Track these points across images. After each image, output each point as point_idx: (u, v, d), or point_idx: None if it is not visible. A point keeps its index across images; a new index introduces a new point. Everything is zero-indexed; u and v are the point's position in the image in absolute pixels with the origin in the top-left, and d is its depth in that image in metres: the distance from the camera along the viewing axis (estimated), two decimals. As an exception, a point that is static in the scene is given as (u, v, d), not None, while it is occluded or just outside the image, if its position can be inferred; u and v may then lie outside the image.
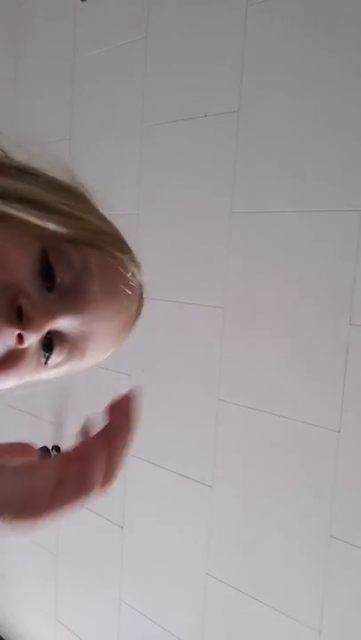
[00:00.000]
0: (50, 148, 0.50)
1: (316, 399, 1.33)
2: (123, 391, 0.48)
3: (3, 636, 2.41)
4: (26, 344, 0.45)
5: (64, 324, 0.47)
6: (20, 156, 0.51)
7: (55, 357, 0.50)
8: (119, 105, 1.76)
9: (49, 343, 0.48)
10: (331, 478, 1.30)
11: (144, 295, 0.58)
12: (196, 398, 1.58)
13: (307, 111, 1.31)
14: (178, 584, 1.68)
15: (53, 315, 0.46)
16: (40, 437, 2.09)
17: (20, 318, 0.44)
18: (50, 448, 2.05)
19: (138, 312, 0.57)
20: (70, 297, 0.48)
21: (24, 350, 0.46)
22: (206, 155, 1.53)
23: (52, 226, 0.46)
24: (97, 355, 0.54)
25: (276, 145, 1.37)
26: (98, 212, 0.54)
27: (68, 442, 0.46)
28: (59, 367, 0.51)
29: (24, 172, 0.50)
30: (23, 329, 0.44)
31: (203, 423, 1.56)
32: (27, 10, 2.10)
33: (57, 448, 2.04)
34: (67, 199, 0.50)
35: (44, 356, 0.49)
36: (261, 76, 1.40)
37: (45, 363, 0.50)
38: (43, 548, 2.17)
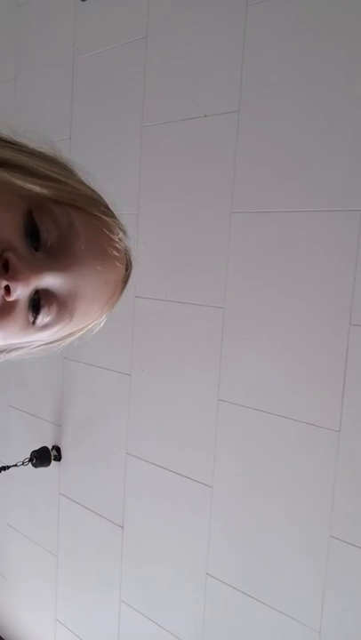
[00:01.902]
0: (35, 127, 0.52)
1: (316, 399, 1.33)
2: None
3: (3, 636, 2.41)
4: (13, 296, 0.45)
5: (51, 281, 0.48)
6: (4, 132, 0.52)
7: (43, 316, 0.50)
8: (119, 105, 1.76)
9: (37, 304, 0.49)
10: (331, 478, 1.30)
11: (132, 262, 0.58)
12: (196, 398, 1.58)
13: (307, 111, 1.31)
14: (178, 584, 1.68)
15: (40, 270, 0.47)
16: (40, 437, 2.09)
17: (6, 271, 0.44)
18: (50, 448, 2.05)
19: (126, 278, 0.57)
20: (57, 255, 0.48)
21: (11, 305, 0.46)
22: (206, 155, 1.53)
23: (36, 188, 0.48)
24: (86, 316, 0.54)
25: (276, 145, 1.37)
26: (82, 180, 0.55)
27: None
28: (48, 328, 0.51)
29: (7, 143, 0.51)
30: (9, 280, 0.44)
31: (203, 423, 1.56)
32: (27, 10, 2.10)
33: (57, 448, 2.05)
34: (51, 166, 0.52)
35: (32, 315, 0.49)
36: (261, 76, 1.40)
37: (33, 322, 0.50)
38: (43, 548, 2.17)
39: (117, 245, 0.53)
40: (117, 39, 1.75)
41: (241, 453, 1.48)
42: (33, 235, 0.47)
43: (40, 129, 0.52)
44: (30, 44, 2.10)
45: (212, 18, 1.49)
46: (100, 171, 0.57)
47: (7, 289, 0.45)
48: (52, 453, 2.04)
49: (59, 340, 0.57)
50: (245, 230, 1.44)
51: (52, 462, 2.03)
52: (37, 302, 0.49)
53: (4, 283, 0.44)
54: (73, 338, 0.58)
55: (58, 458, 2.03)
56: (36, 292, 0.48)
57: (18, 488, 2.24)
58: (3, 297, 0.45)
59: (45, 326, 0.51)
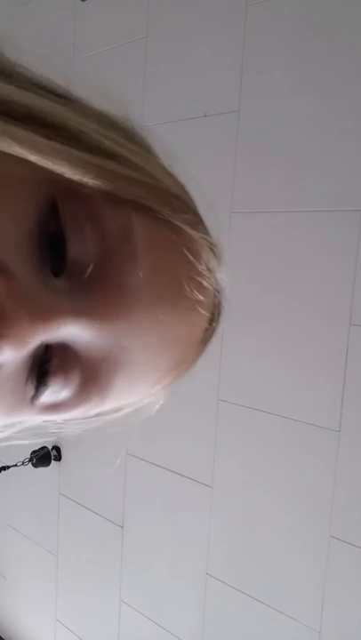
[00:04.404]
0: (101, 82, 0.33)
1: (316, 399, 1.33)
2: None
3: (3, 636, 2.41)
4: (1, 358, 0.25)
5: (75, 332, 0.27)
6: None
7: (53, 391, 0.30)
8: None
9: (44, 368, 0.29)
10: (331, 478, 1.30)
11: (222, 307, 0.36)
12: (196, 398, 1.58)
13: (307, 111, 1.31)
14: (178, 584, 1.68)
15: (57, 314, 0.26)
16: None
17: None
18: (50, 448, 2.05)
19: (209, 333, 0.37)
20: (92, 286, 0.28)
21: None
22: (206, 155, 1.53)
23: (78, 169, 0.27)
24: (129, 395, 0.33)
25: (276, 145, 1.37)
26: (160, 162, 0.34)
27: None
28: (58, 410, 0.31)
29: (53, 94, 0.32)
30: None
31: (203, 423, 1.56)
32: (27, 10, 2.10)
33: (57, 448, 2.05)
34: (108, 131, 0.31)
35: (33, 386, 0.29)
36: (261, 76, 1.40)
37: (33, 397, 0.29)
38: (43, 548, 2.17)
39: (204, 281, 0.32)
40: (117, 39, 1.75)
41: (241, 453, 1.48)
42: (53, 246, 0.27)
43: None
44: (30, 44, 2.10)
45: (212, 18, 1.49)
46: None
47: None
48: (52, 453, 2.04)
49: (76, 420, 0.34)
50: (245, 230, 1.44)
51: (52, 462, 2.03)
52: (45, 365, 0.29)
53: None
54: (105, 419, 0.36)
55: (58, 458, 2.03)
56: (46, 348, 0.28)
57: (18, 488, 2.24)
58: None
59: (54, 407, 0.31)
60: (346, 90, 1.25)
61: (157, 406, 0.38)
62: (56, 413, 0.31)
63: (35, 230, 0.26)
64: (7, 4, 2.17)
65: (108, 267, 0.28)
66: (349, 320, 1.26)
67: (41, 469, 2.03)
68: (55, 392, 0.29)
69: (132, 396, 0.34)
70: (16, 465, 2.02)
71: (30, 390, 0.29)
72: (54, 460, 2.03)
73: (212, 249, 0.33)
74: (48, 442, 2.07)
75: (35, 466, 2.02)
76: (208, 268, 0.32)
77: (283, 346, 1.38)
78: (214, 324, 0.36)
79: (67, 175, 0.26)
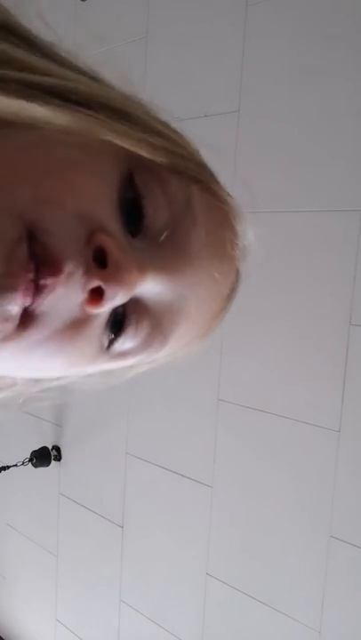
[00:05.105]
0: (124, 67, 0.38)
1: (316, 399, 1.33)
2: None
3: (3, 636, 2.41)
4: (107, 306, 0.29)
5: (151, 287, 0.32)
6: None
7: (126, 340, 0.33)
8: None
9: (119, 320, 0.33)
10: (331, 478, 1.30)
11: (242, 273, 0.41)
12: (196, 398, 1.58)
13: (307, 111, 1.31)
14: (178, 584, 1.68)
15: (148, 268, 0.31)
16: (40, 437, 2.09)
17: (101, 265, 0.29)
18: (50, 448, 2.05)
19: (233, 294, 0.42)
20: (166, 247, 0.32)
21: (87, 319, 0.30)
22: (206, 155, 1.53)
23: (149, 148, 0.33)
24: (179, 342, 0.37)
25: (276, 145, 1.37)
26: (189, 139, 0.40)
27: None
28: (125, 357, 0.35)
29: (106, 85, 0.37)
30: (107, 281, 0.28)
31: (203, 423, 1.56)
32: (27, 10, 2.10)
33: (57, 448, 2.05)
34: (166, 126, 0.37)
35: (109, 336, 0.33)
36: (261, 76, 1.40)
37: (108, 347, 0.33)
38: (43, 548, 2.17)
39: (238, 241, 0.38)
40: (117, 39, 1.75)
41: (241, 453, 1.48)
42: (130, 212, 0.31)
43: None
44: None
45: (212, 18, 1.49)
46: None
47: (97, 294, 0.29)
48: (52, 453, 2.04)
49: (122, 371, 0.40)
50: (245, 230, 1.44)
51: (52, 462, 2.03)
52: (121, 318, 0.33)
53: (95, 283, 0.28)
54: (140, 370, 0.41)
55: (58, 458, 2.03)
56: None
57: (18, 488, 2.24)
58: (84, 304, 0.29)
59: (123, 354, 0.35)
60: (346, 90, 1.25)
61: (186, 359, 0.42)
62: (124, 360, 0.35)
63: (117, 197, 0.31)
64: (7, 5, 2.17)
65: (176, 230, 0.33)
66: (349, 320, 1.26)
67: (41, 469, 2.03)
68: (126, 340, 0.34)
69: (183, 343, 0.38)
70: (16, 465, 2.02)
71: (106, 340, 0.33)
72: (54, 460, 2.03)
73: (239, 210, 0.39)
74: (48, 442, 2.07)
75: (35, 466, 2.02)
76: (240, 229, 0.38)
77: (283, 346, 1.38)
78: (238, 282, 0.41)
79: (140, 153, 0.32)
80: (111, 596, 1.89)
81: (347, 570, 1.30)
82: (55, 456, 2.03)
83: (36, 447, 2.05)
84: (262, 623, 1.46)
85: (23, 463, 2.02)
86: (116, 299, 0.29)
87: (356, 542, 1.28)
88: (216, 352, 1.51)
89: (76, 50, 0.40)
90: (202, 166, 0.38)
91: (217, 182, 0.38)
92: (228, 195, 0.39)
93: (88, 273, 0.28)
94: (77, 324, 0.30)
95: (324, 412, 1.31)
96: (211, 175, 0.38)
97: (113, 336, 0.33)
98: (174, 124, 0.38)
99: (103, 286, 0.28)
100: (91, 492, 1.95)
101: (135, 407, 1.74)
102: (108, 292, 0.29)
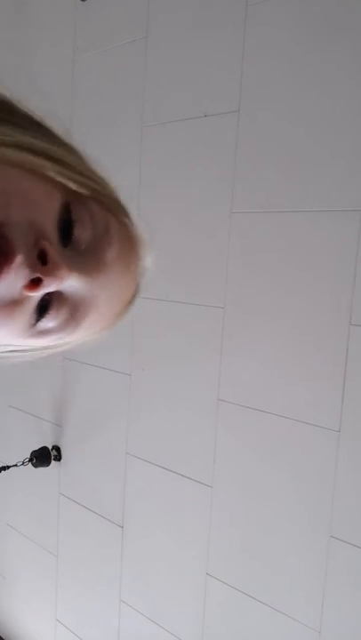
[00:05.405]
0: (50, 104, 0.51)
1: (316, 399, 1.33)
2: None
3: (3, 636, 2.41)
4: (41, 292, 0.41)
5: (73, 283, 0.44)
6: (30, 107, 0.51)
7: (48, 321, 0.45)
8: (119, 105, 1.76)
9: (44, 305, 0.44)
10: (331, 478, 1.30)
11: (141, 286, 0.54)
12: (196, 398, 1.58)
13: (307, 111, 1.31)
14: (178, 584, 1.68)
15: (72, 269, 0.43)
16: (40, 437, 2.09)
17: (42, 262, 0.40)
18: (50, 448, 2.05)
19: (133, 300, 0.54)
20: (86, 257, 0.45)
21: (21, 301, 0.41)
22: (206, 155, 1.53)
23: (77, 185, 0.44)
24: (89, 330, 0.49)
25: (276, 145, 1.37)
26: (101, 172, 0.51)
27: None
28: (45, 335, 0.46)
29: (42, 128, 0.49)
30: (45, 275, 0.40)
31: (203, 423, 1.56)
32: (27, 10, 2.10)
33: (57, 448, 2.05)
34: (91, 166, 0.49)
35: (35, 317, 0.44)
36: (261, 76, 1.40)
37: (34, 324, 0.44)
38: (43, 548, 2.17)
39: (139, 264, 0.51)
40: (117, 39, 1.75)
41: (241, 453, 1.48)
42: (65, 230, 0.43)
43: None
44: (30, 44, 2.10)
45: (212, 18, 1.49)
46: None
47: (35, 282, 0.40)
48: (52, 453, 2.04)
49: (40, 350, 0.51)
50: (245, 230, 1.45)
51: (52, 462, 2.03)
52: (46, 304, 0.44)
53: (36, 275, 0.40)
54: (56, 350, 0.52)
55: (58, 458, 2.03)
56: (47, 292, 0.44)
57: (18, 488, 2.24)
58: (24, 289, 0.40)
59: (44, 332, 0.46)
60: (346, 89, 1.25)
61: (93, 345, 0.54)
62: (43, 337, 0.46)
63: (57, 218, 0.43)
64: (7, 5, 2.17)
65: (96, 246, 0.46)
66: (349, 320, 1.26)
67: (41, 469, 2.03)
68: (48, 321, 0.45)
69: (90, 332, 0.50)
70: (16, 465, 2.02)
71: (34, 319, 0.44)
72: (54, 460, 2.03)
73: (143, 239, 0.51)
74: (48, 442, 2.07)
75: (35, 466, 2.02)
76: (142, 258, 0.51)
77: (283, 346, 1.38)
78: (137, 292, 0.54)
79: (69, 186, 0.44)
80: (111, 595, 1.89)
81: (347, 570, 1.30)
82: (55, 456, 2.03)
83: (36, 447, 2.05)
84: (262, 623, 1.46)
85: (23, 463, 2.02)
86: (50, 287, 0.41)
87: (356, 542, 1.28)
88: (216, 352, 1.51)
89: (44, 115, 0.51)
90: (116, 202, 0.50)
91: (127, 215, 0.50)
92: (135, 226, 0.51)
93: (32, 266, 0.40)
94: (16, 303, 0.41)
95: (324, 412, 1.31)
96: (123, 209, 0.50)
97: (39, 317, 0.44)
98: (99, 169, 0.50)
99: (42, 277, 0.40)
100: (91, 492, 1.95)
101: (135, 407, 1.74)
102: (46, 281, 0.40)
